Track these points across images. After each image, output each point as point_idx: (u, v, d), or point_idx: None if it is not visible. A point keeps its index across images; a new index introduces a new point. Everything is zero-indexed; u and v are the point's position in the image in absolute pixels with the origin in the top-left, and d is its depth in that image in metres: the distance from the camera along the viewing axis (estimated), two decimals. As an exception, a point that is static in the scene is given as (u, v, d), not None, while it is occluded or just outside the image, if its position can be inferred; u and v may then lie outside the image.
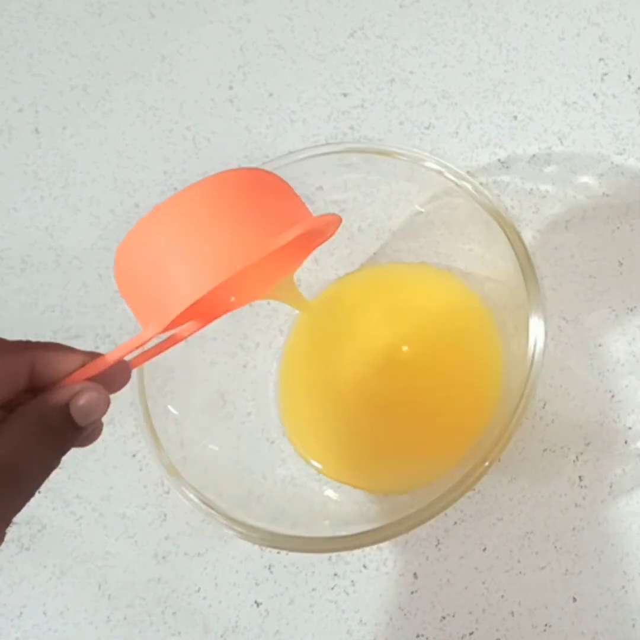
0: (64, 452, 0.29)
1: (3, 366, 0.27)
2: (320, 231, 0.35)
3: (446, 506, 0.36)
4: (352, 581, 0.44)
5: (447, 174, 0.40)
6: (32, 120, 0.52)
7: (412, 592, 0.43)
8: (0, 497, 0.26)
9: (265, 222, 0.30)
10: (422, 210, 0.44)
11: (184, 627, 0.44)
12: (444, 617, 0.43)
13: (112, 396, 0.30)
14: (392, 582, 0.43)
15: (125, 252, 0.30)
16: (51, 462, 0.28)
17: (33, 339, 0.48)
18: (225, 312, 0.35)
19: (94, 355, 0.30)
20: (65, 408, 0.28)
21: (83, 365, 0.29)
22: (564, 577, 0.43)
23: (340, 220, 0.34)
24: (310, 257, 0.45)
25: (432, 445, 0.43)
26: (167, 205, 0.30)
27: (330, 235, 0.35)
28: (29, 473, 0.27)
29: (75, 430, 0.29)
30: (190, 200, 0.30)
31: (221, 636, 0.44)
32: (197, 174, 0.50)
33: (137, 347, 0.30)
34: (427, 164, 0.40)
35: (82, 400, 0.28)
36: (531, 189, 0.47)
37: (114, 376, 0.30)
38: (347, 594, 0.44)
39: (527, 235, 0.46)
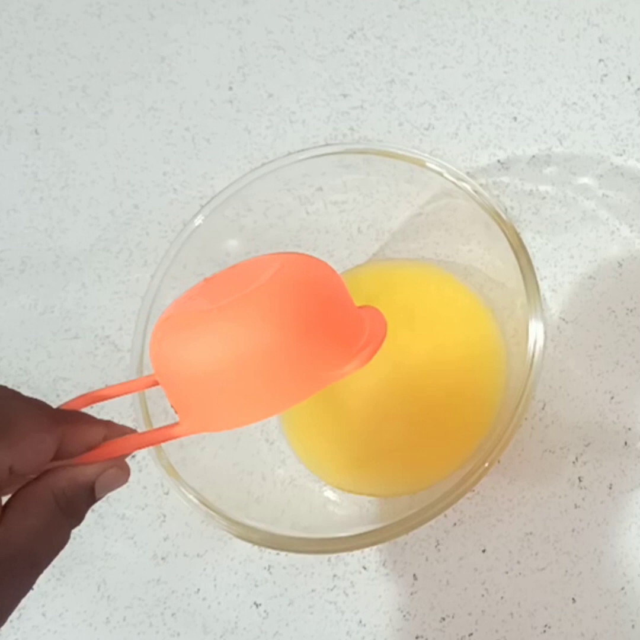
0: (76, 526, 0.29)
1: (40, 444, 0.27)
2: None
3: (446, 507, 0.36)
4: (352, 582, 0.44)
5: (446, 175, 0.40)
6: (31, 121, 0.52)
7: (411, 593, 0.43)
8: (18, 583, 0.26)
9: (327, 352, 0.28)
10: (422, 211, 0.44)
11: (184, 628, 0.44)
12: (443, 619, 0.43)
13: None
14: (392, 583, 0.43)
15: (176, 338, 0.28)
16: (67, 540, 0.28)
17: (33, 340, 0.48)
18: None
19: (112, 426, 0.30)
20: (91, 485, 0.28)
21: (105, 438, 0.29)
22: (564, 578, 0.42)
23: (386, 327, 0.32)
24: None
25: (433, 448, 0.43)
26: (238, 308, 0.28)
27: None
28: (47, 556, 0.27)
29: (92, 503, 0.29)
30: (260, 318, 0.27)
31: (220, 637, 0.44)
32: (197, 174, 0.50)
33: (166, 441, 0.30)
34: (427, 165, 0.40)
35: (107, 475, 0.29)
36: (531, 190, 0.47)
37: None
38: (347, 595, 0.44)
39: (527, 236, 0.46)
